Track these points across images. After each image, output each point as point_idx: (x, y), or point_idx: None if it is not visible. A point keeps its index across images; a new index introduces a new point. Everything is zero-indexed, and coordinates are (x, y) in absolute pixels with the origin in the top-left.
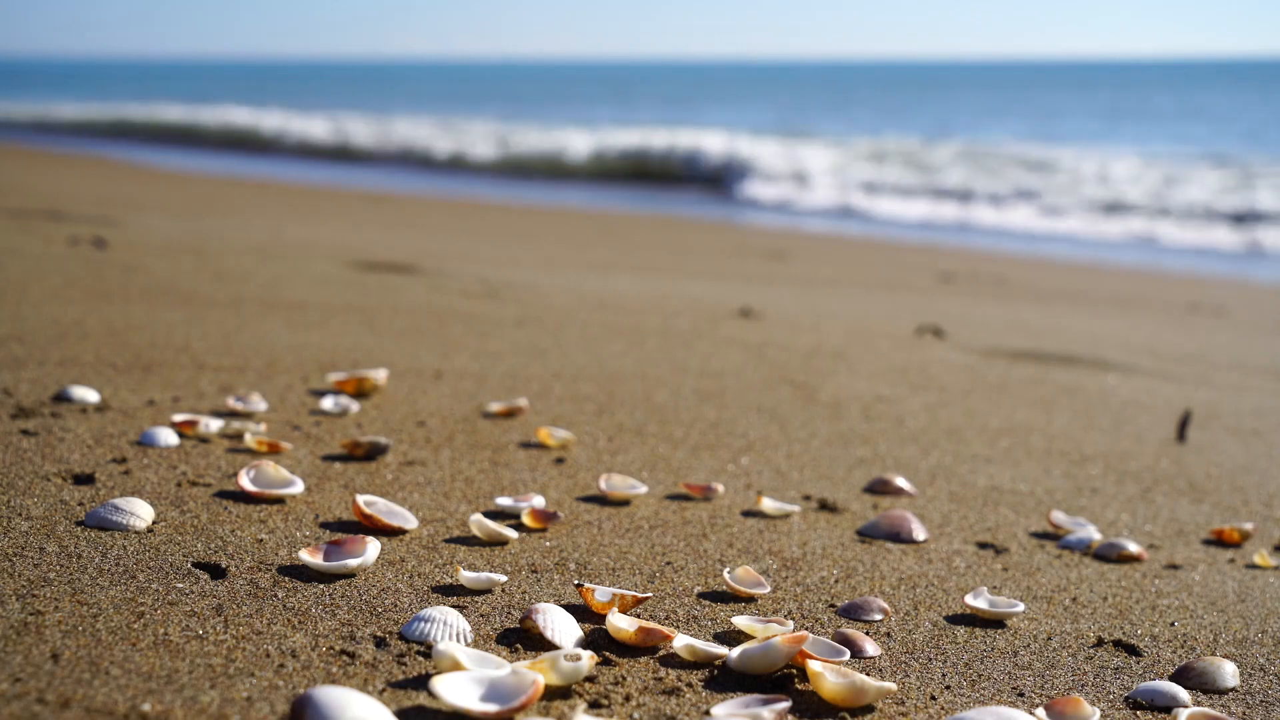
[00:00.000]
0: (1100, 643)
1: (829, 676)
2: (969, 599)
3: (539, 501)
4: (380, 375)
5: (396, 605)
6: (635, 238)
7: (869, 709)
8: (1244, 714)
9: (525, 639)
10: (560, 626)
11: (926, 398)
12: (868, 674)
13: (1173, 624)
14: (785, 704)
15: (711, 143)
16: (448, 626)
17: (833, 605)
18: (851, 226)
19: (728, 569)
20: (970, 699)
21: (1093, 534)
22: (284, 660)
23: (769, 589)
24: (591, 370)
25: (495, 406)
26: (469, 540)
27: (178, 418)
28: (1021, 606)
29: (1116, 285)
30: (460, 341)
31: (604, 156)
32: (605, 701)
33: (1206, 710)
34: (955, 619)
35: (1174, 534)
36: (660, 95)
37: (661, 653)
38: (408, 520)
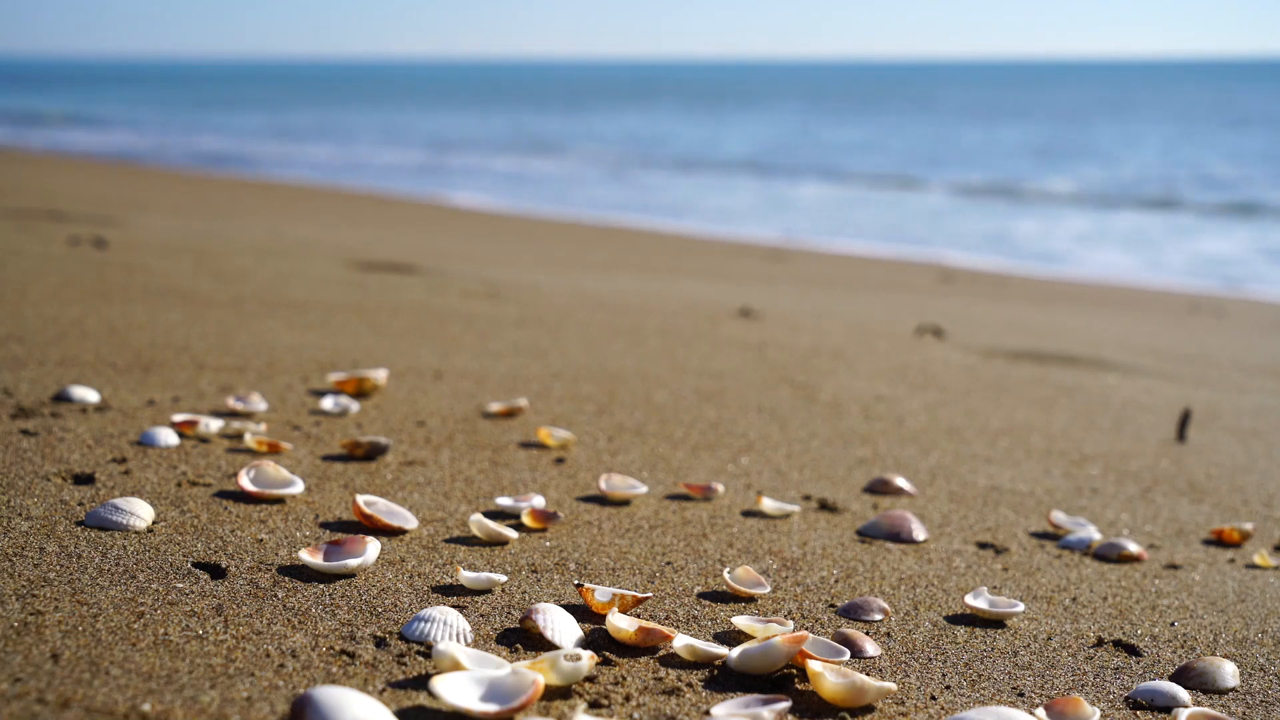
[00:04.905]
0: (1100, 643)
1: (829, 676)
2: (969, 599)
3: (539, 501)
4: (380, 375)
5: (396, 605)
6: (635, 238)
7: (869, 709)
8: (1244, 714)
9: (525, 639)
10: (560, 626)
11: (926, 398)
12: (868, 674)
13: (1173, 624)
14: (785, 704)
15: None
16: (448, 626)
17: (833, 605)
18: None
19: (728, 569)
20: (970, 699)
21: (1093, 534)
22: (284, 660)
23: (769, 589)
24: (591, 370)
25: (495, 406)
26: (469, 540)
27: (178, 418)
28: (1021, 606)
29: (1116, 286)
30: (460, 341)
31: None
32: (605, 701)
33: (1206, 710)
34: (955, 619)
35: (1174, 534)
36: (684, 98)
37: (661, 653)
38: (408, 520)
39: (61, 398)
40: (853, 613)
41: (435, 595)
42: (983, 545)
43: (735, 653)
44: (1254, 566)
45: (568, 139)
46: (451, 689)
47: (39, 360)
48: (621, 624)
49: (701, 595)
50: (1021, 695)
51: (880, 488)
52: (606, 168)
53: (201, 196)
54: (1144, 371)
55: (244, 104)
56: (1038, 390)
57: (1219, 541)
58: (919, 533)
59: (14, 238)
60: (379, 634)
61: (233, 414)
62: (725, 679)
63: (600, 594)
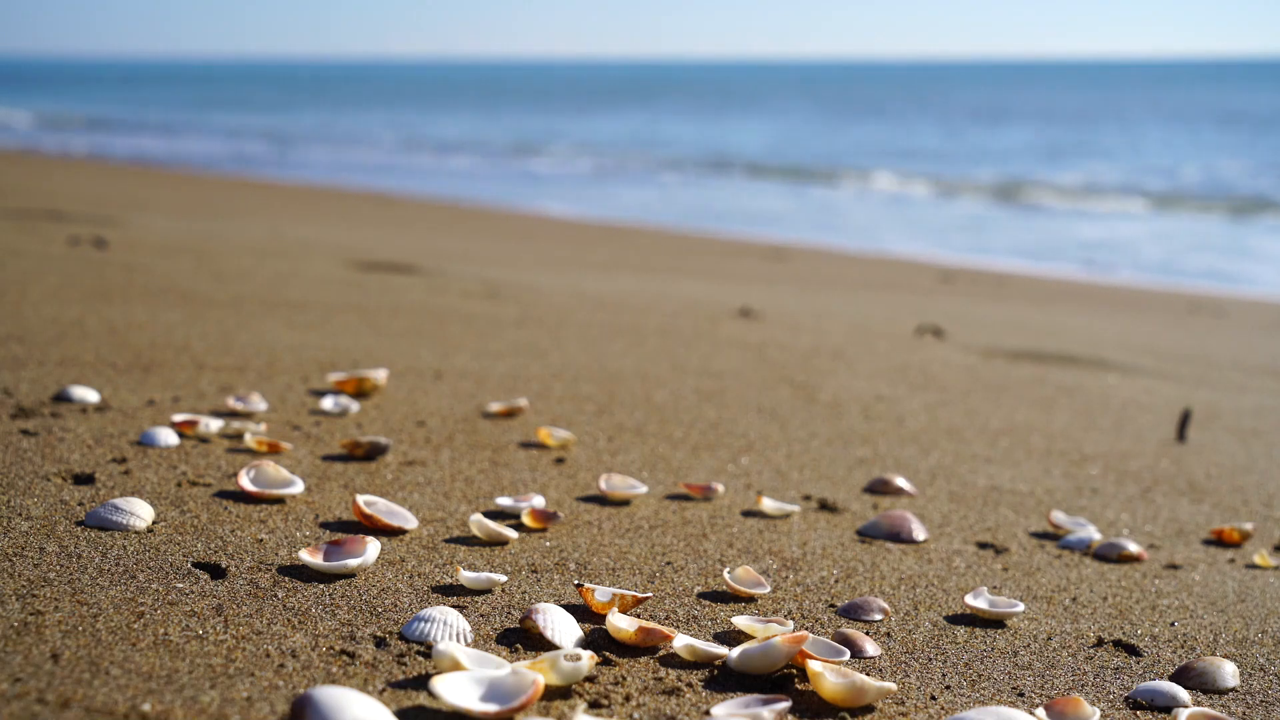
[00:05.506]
0: (1100, 643)
1: (829, 676)
2: (969, 599)
3: (539, 501)
4: (380, 375)
5: (396, 605)
6: (635, 238)
7: (869, 709)
8: (1244, 714)
9: (525, 639)
10: (560, 626)
11: (926, 398)
12: (868, 674)
13: (1173, 624)
14: (785, 704)
15: None
16: (448, 626)
17: (833, 605)
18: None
19: (728, 569)
20: (970, 699)
21: (1093, 534)
22: (284, 660)
23: (769, 589)
24: (591, 370)
25: (495, 406)
26: (469, 540)
27: (178, 418)
28: (1021, 606)
29: (1116, 286)
30: (460, 341)
31: None
32: (605, 701)
33: (1206, 710)
34: (955, 619)
35: (1174, 534)
36: (686, 98)
37: (661, 653)
38: (408, 520)
39: (61, 398)
40: (853, 613)
41: (435, 595)
42: (983, 545)
43: (735, 653)
44: (1254, 566)
45: (569, 139)
46: (451, 689)
47: (39, 360)
48: (621, 624)
49: (701, 595)
50: (1021, 695)
51: (880, 488)
52: (607, 168)
53: (201, 196)
54: (1144, 371)
55: (247, 105)
56: (1038, 390)
57: (1219, 541)
58: (919, 533)
59: (14, 238)
60: (379, 634)
61: (233, 414)
62: (725, 679)
63: (600, 594)
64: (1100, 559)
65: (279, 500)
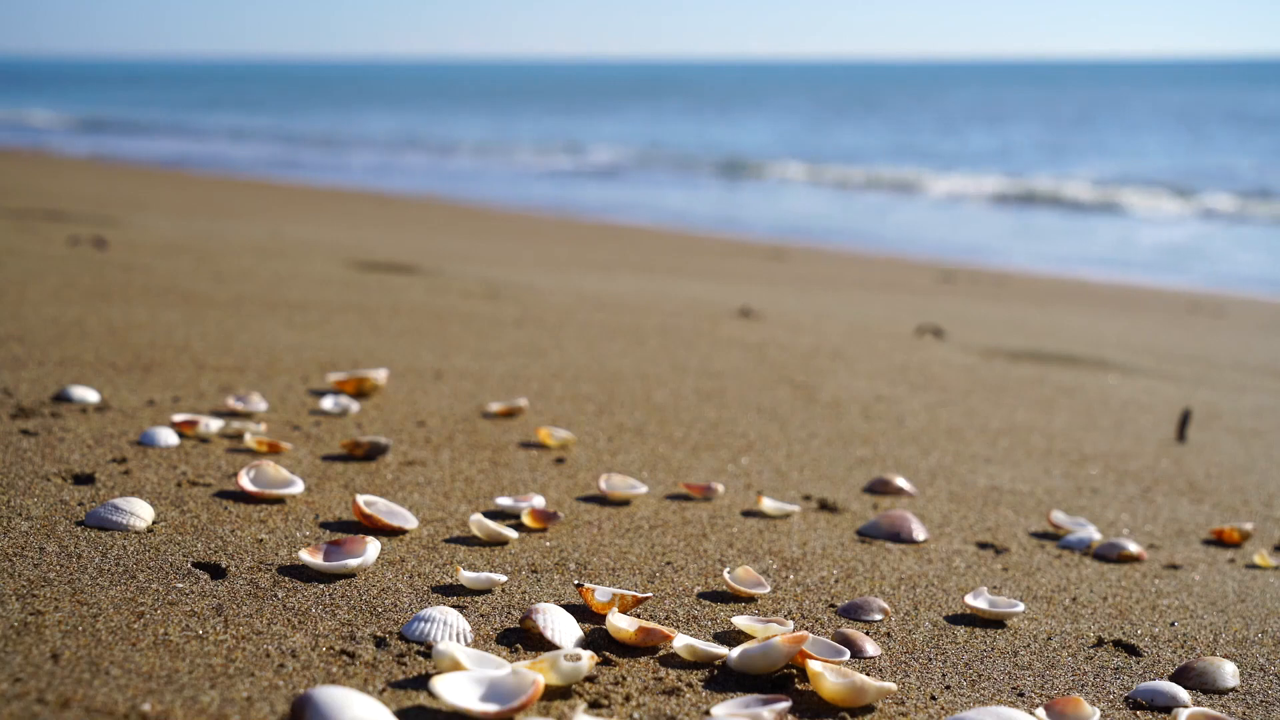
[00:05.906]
0: (1100, 643)
1: (829, 676)
2: (969, 599)
3: (539, 501)
4: (380, 375)
5: (396, 605)
6: (635, 238)
7: (869, 709)
8: (1244, 714)
9: (525, 639)
10: (560, 626)
11: (926, 398)
12: (868, 674)
13: (1173, 624)
14: (785, 704)
15: None
16: (448, 626)
17: (833, 605)
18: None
19: (728, 569)
20: (970, 699)
21: (1093, 534)
22: (284, 660)
23: (769, 589)
24: (591, 370)
25: (495, 406)
26: (469, 540)
27: (178, 418)
28: (1021, 606)
29: (1116, 286)
30: (460, 341)
31: None
32: (605, 701)
33: (1206, 710)
34: (955, 619)
35: (1174, 534)
36: (688, 98)
37: (661, 653)
38: (408, 520)
39: (61, 398)
40: (853, 613)
41: (435, 595)
42: (983, 545)
43: (735, 653)
44: (1254, 566)
45: (569, 138)
46: (451, 689)
47: (39, 360)
48: (621, 624)
49: (701, 595)
50: (1021, 695)
51: (880, 488)
52: (608, 167)
53: (201, 196)
54: (1144, 371)
55: (247, 105)
56: (1038, 390)
57: (1219, 541)
58: (919, 533)
59: (14, 238)
60: (379, 634)
61: (233, 414)
62: (725, 679)
63: (600, 594)
64: (1100, 559)
65: (279, 500)
